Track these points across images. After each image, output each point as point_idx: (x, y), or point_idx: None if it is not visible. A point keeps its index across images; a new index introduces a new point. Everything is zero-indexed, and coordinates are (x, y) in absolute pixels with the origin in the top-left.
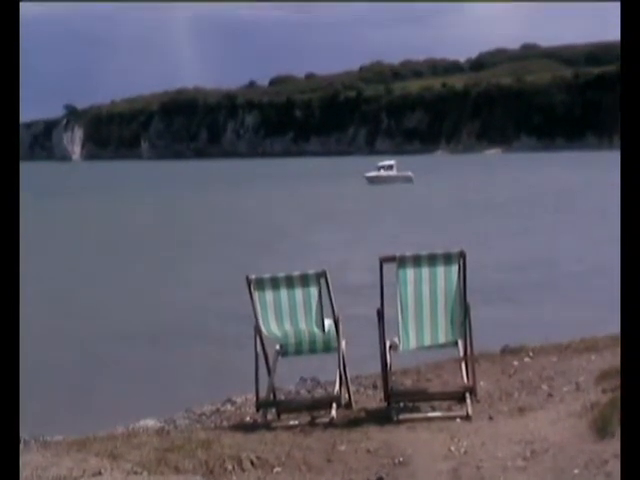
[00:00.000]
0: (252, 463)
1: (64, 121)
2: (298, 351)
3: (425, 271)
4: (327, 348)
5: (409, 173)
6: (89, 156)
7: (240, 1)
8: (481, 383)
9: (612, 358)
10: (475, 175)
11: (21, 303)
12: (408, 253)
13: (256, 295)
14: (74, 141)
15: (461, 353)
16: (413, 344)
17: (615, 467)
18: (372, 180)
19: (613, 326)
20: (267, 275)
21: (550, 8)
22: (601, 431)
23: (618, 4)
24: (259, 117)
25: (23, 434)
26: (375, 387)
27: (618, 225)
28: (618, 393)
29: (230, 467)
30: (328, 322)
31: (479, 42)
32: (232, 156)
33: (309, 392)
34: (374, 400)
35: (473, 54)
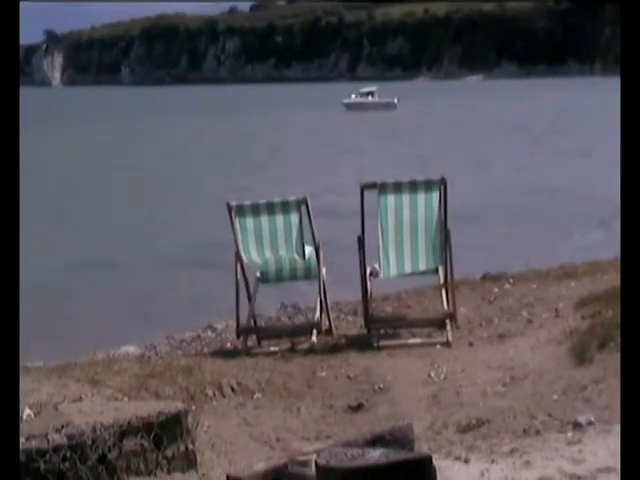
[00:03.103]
0: (232, 389)
1: (44, 46)
2: (279, 278)
3: (406, 198)
4: (308, 275)
5: (394, 100)
6: (69, 82)
7: None
8: (461, 310)
9: (591, 285)
10: (458, 102)
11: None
12: (389, 180)
13: (237, 222)
14: (54, 66)
15: (441, 280)
16: (394, 271)
17: (594, 393)
18: (351, 107)
19: (592, 253)
20: (248, 202)
21: None
22: (580, 357)
23: None
24: (240, 43)
25: None
26: (355, 314)
27: (601, 153)
28: (597, 319)
29: (211, 393)
30: (309, 249)
31: None
32: (213, 82)
33: (290, 318)
34: (354, 326)
35: None
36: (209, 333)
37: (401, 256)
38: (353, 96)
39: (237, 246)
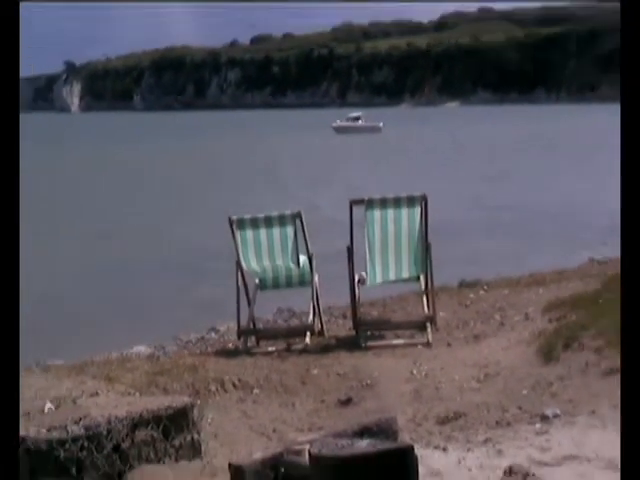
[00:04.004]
0: (234, 385)
1: (64, 76)
2: (275, 285)
3: (390, 212)
4: (302, 282)
5: (379, 124)
6: (86, 108)
7: None
8: (440, 313)
9: (557, 291)
10: (438, 126)
11: (27, 236)
12: (375, 196)
13: (237, 234)
14: (73, 94)
15: (422, 287)
16: (379, 279)
17: (559, 388)
18: (339, 130)
19: (559, 262)
20: (247, 216)
21: None
22: (547, 356)
23: None
24: (240, 73)
25: (27, 359)
26: (345, 317)
27: (568, 171)
28: (563, 322)
29: (214, 389)
30: (303, 258)
31: (441, 5)
32: (216, 108)
33: (285, 321)
34: (344, 329)
35: (435, 16)
36: (212, 334)
37: (386, 265)
38: (339, 121)
39: (238, 256)
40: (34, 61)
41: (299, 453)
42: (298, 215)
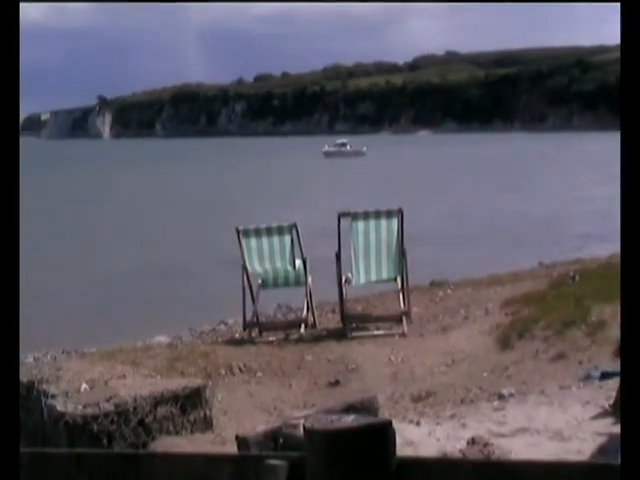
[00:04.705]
0: (240, 369)
1: (97, 108)
2: (275, 284)
3: (372, 223)
4: (297, 282)
5: (363, 148)
6: (116, 135)
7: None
8: (414, 309)
9: (512, 290)
10: (412, 150)
11: (65, 249)
12: (359, 210)
13: (243, 241)
14: (105, 123)
15: (399, 286)
16: (363, 279)
17: (514, 372)
18: (328, 154)
19: (514, 266)
20: (252, 226)
21: (468, 25)
22: (504, 345)
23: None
24: (246, 106)
25: (67, 347)
26: (334, 312)
27: (522, 188)
28: (517, 316)
29: (223, 372)
30: (298, 262)
31: (414, 49)
32: (225, 135)
33: (284, 315)
34: (333, 322)
35: (409, 58)
36: (222, 326)
37: (368, 268)
38: (327, 146)
39: (243, 260)
40: (71, 96)
41: (295, 427)
42: (294, 226)
